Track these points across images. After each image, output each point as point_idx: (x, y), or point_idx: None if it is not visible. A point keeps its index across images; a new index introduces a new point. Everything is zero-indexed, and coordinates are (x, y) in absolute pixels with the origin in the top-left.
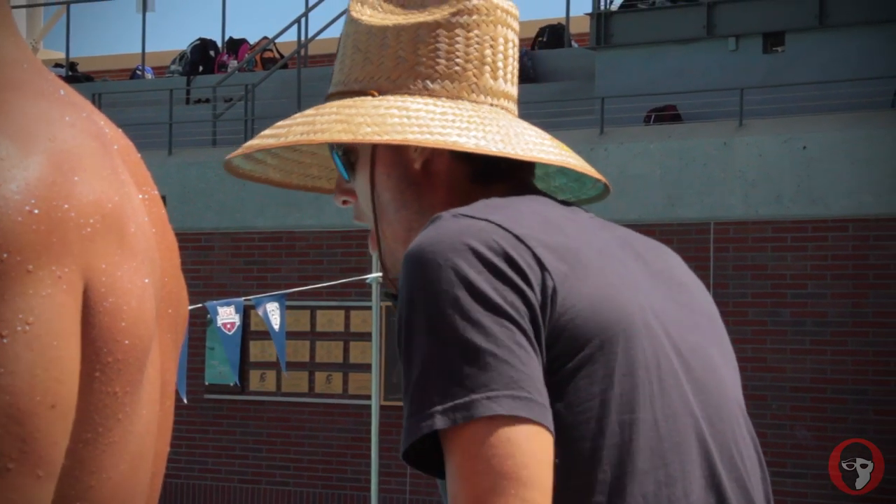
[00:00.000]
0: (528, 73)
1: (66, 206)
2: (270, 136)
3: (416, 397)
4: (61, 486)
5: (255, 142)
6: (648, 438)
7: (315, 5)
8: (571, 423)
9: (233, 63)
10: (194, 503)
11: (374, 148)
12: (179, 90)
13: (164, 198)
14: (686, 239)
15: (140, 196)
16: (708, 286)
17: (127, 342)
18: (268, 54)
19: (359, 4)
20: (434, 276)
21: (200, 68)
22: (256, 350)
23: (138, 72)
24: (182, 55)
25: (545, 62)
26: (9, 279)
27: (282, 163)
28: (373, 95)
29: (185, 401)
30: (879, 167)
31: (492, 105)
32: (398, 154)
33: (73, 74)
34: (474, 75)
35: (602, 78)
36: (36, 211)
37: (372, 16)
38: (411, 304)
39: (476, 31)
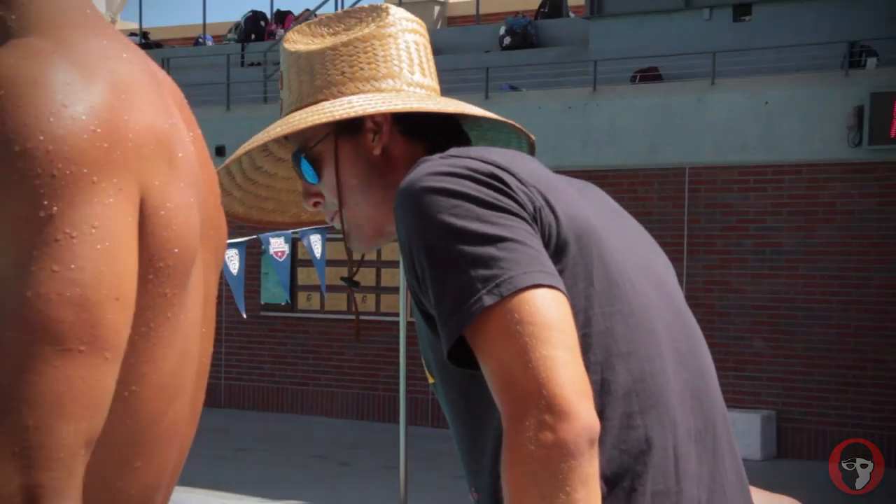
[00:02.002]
0: (532, 40)
1: (124, 128)
2: (245, 145)
3: (454, 298)
4: (121, 371)
5: (232, 157)
6: (626, 326)
7: None
8: None
9: (280, 31)
10: (254, 402)
11: (337, 146)
12: (235, 55)
13: (223, 147)
14: (665, 181)
15: (188, 133)
16: (682, 221)
17: (176, 250)
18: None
19: (291, 42)
20: (434, 196)
21: (252, 36)
22: (303, 275)
23: (200, 40)
24: (237, 25)
25: (546, 30)
26: (77, 189)
27: (245, 193)
28: (326, 101)
29: (245, 316)
30: (829, 120)
31: (426, 94)
32: (358, 146)
33: (146, 42)
34: (409, 72)
35: (595, 43)
36: (99, 130)
37: (308, 44)
38: (422, 227)
39: (400, 39)
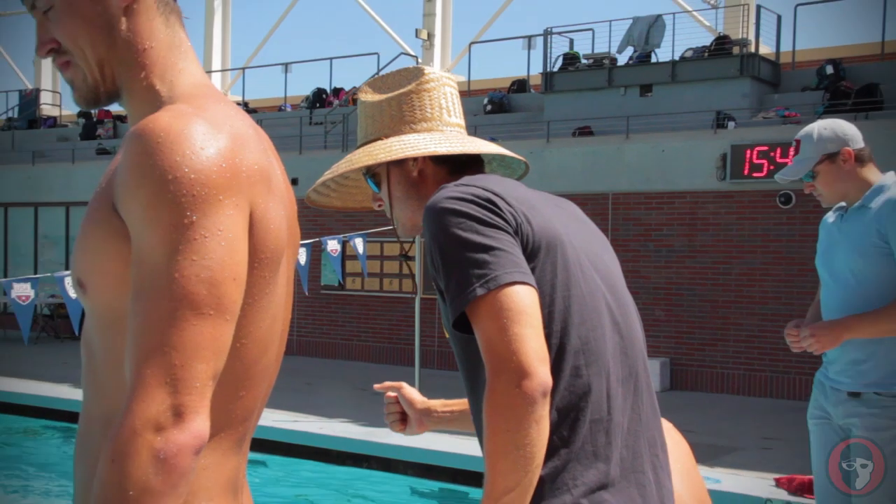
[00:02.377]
0: (505, 107)
1: (240, 164)
2: (328, 172)
3: (457, 287)
4: (234, 329)
5: (322, 178)
6: (579, 305)
7: (390, 62)
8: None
9: (336, 101)
10: (317, 351)
11: (388, 168)
12: (305, 117)
13: (297, 179)
14: (596, 203)
15: (278, 167)
16: (607, 230)
17: (272, 246)
18: (356, 95)
19: (363, 93)
20: (448, 215)
21: (317, 104)
22: (350, 266)
23: (282, 107)
24: (307, 97)
25: (515, 100)
26: (209, 204)
27: (339, 194)
28: (381, 139)
29: (307, 293)
30: (704, 162)
31: (451, 130)
32: (402, 169)
33: (247, 109)
34: (438, 116)
35: (548, 110)
36: (224, 165)
37: (372, 96)
38: (439, 235)
39: (434, 92)
